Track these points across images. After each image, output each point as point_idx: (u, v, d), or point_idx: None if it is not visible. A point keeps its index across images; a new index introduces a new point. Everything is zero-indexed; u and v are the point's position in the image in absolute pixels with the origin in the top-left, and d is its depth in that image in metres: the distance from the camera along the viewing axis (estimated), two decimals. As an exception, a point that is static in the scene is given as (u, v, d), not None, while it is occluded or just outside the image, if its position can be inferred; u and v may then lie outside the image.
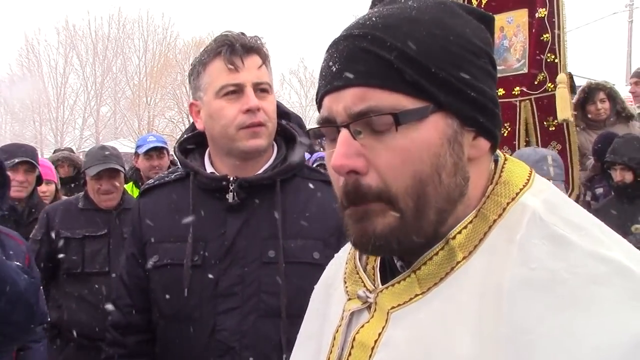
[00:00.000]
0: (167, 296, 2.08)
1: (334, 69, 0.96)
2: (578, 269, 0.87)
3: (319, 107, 1.00)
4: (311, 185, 2.15)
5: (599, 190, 5.36)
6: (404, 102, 0.92)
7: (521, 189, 0.99)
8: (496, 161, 1.05)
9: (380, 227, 0.95)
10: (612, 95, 5.80)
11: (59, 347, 4.05)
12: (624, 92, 7.68)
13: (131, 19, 40.12)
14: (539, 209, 0.95)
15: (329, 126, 0.98)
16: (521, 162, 1.05)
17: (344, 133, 0.94)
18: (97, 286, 3.89)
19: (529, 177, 1.02)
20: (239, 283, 2.03)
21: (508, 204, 0.97)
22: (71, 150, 9.16)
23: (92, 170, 4.13)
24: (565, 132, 4.89)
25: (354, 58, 0.94)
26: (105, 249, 4.01)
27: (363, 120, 0.93)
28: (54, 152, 8.72)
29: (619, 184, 4.54)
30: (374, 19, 0.96)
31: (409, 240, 0.96)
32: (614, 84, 6.20)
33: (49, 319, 3.45)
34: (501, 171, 1.02)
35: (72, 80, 39.69)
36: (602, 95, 5.75)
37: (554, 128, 4.91)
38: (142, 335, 2.18)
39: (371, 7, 1.03)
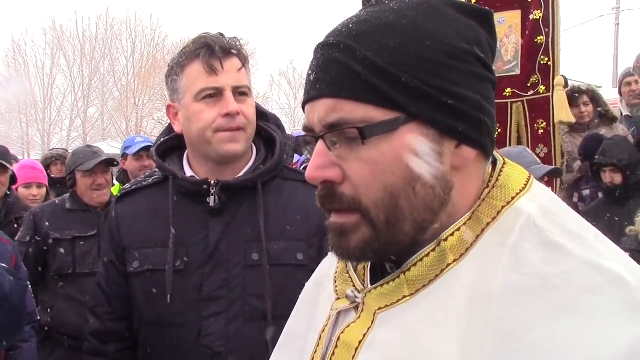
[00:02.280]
0: (150, 302, 2.05)
1: (312, 78, 0.96)
2: (572, 276, 0.84)
3: (304, 112, 1.01)
4: (292, 186, 2.13)
5: (586, 192, 5.40)
6: (374, 114, 0.90)
7: (518, 193, 0.97)
8: (495, 164, 1.02)
9: (354, 242, 0.96)
10: (595, 98, 5.86)
11: (49, 349, 4.03)
12: (612, 94, 7.72)
13: (119, 20, 39.99)
14: (533, 214, 0.93)
15: (309, 135, 0.99)
16: (520, 167, 1.03)
17: (319, 144, 0.96)
18: (88, 287, 3.85)
19: (527, 182, 1.00)
20: (224, 287, 2.00)
21: (503, 207, 0.95)
22: (65, 150, 9.06)
23: (86, 165, 4.14)
24: (552, 135, 4.92)
25: (327, 68, 0.94)
26: (96, 250, 3.99)
27: (337, 131, 0.93)
28: (50, 150, 8.62)
29: (609, 186, 4.57)
30: (350, 25, 0.95)
31: (384, 250, 0.96)
32: (600, 87, 6.24)
33: (38, 318, 3.42)
34: (499, 175, 1.00)
35: (59, 81, 39.53)
36: (585, 98, 5.79)
37: (542, 131, 4.94)
38: (122, 343, 2.16)
39: (362, 7, 1.01)
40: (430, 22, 0.93)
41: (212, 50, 2.00)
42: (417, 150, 0.91)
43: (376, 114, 0.90)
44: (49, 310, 4.02)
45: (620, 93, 6.82)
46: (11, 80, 37.74)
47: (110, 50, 39.46)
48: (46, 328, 4.03)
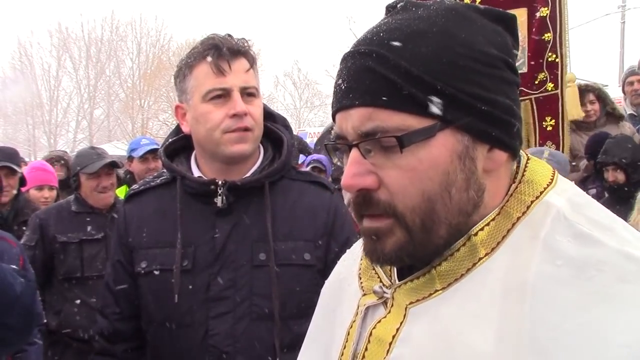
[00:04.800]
0: (157, 302, 2.06)
1: (343, 87, 0.97)
2: (606, 266, 0.87)
3: (334, 121, 1.02)
4: (299, 187, 2.14)
5: (592, 191, 5.37)
6: (410, 122, 0.92)
7: (545, 188, 0.99)
8: (519, 160, 1.04)
9: (390, 246, 0.98)
10: (601, 97, 5.83)
11: (58, 353, 4.04)
12: (618, 92, 7.69)
13: (124, 22, 40.19)
14: (563, 208, 0.95)
15: (342, 143, 1.00)
16: (544, 162, 1.06)
17: (354, 152, 0.97)
18: (96, 289, 3.86)
19: (553, 176, 1.02)
20: (231, 287, 2.01)
21: (532, 202, 0.98)
22: (65, 152, 9.05)
23: (90, 168, 4.13)
24: (560, 132, 4.91)
25: (360, 77, 0.95)
26: (103, 252, 3.99)
27: (373, 139, 0.94)
28: (50, 152, 8.63)
29: (612, 185, 4.56)
30: (381, 33, 0.96)
31: (419, 253, 0.97)
32: (607, 85, 6.22)
33: (44, 321, 3.42)
34: (524, 170, 1.02)
35: (65, 82, 39.72)
36: (591, 96, 5.77)
37: (550, 128, 4.93)
38: (130, 343, 2.16)
39: (385, 15, 1.03)
40: (460, 29, 0.95)
41: (220, 51, 2.01)
42: (453, 156, 0.94)
43: (412, 122, 0.92)
44: (57, 313, 4.03)
45: (623, 92, 6.80)
46: (17, 82, 37.86)
47: (116, 52, 39.64)
48: (54, 332, 4.04)
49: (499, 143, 0.96)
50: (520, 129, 1.00)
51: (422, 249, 0.97)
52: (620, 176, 4.52)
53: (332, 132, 1.03)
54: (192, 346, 2.00)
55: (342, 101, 0.97)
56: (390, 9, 1.02)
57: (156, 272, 2.07)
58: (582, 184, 5.51)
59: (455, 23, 0.95)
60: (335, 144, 1.02)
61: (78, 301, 3.98)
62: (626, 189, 4.50)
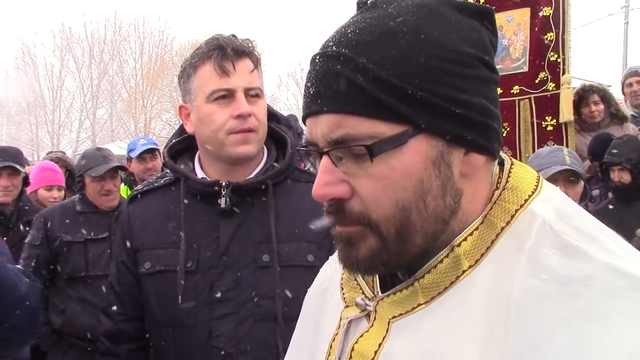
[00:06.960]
0: (161, 303, 2.06)
1: (312, 91, 0.93)
2: (593, 281, 0.82)
3: (305, 125, 0.98)
4: (303, 187, 2.13)
5: (595, 192, 5.36)
6: (381, 128, 0.88)
7: (530, 196, 0.95)
8: (501, 164, 1.00)
9: (363, 252, 0.93)
10: (606, 98, 5.80)
11: (62, 352, 4.06)
12: (621, 93, 7.67)
13: (127, 22, 40.49)
14: (549, 218, 0.91)
15: (312, 150, 0.96)
16: (528, 167, 1.01)
17: (324, 160, 0.93)
18: (101, 289, 3.87)
19: (537, 183, 0.97)
20: (234, 288, 2.01)
21: (517, 210, 0.93)
22: (63, 153, 9.03)
23: (95, 171, 4.14)
24: (564, 132, 4.91)
25: (328, 82, 0.90)
26: (108, 252, 4.01)
27: (343, 147, 0.90)
28: (47, 154, 8.62)
29: (618, 185, 4.55)
30: (349, 34, 0.91)
31: (394, 262, 0.94)
32: (610, 86, 6.20)
33: (47, 327, 3.42)
34: (508, 176, 0.98)
35: (68, 82, 39.76)
36: (596, 97, 5.74)
37: (551, 128, 4.93)
38: (134, 344, 2.17)
39: (356, 11, 0.97)
40: (432, 27, 0.89)
41: (225, 51, 2.00)
42: (427, 163, 0.89)
43: (383, 129, 0.88)
44: (61, 312, 4.04)
45: (623, 93, 6.77)
46: (21, 82, 37.92)
47: (119, 52, 39.70)
48: (57, 331, 4.05)
49: (475, 146, 0.92)
50: (498, 129, 0.95)
51: (397, 258, 0.93)
52: (626, 176, 4.50)
53: (303, 137, 1.00)
54: (195, 347, 2.00)
55: (311, 106, 0.93)
56: (360, 5, 0.97)
57: (160, 273, 2.06)
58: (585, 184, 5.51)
59: (427, 21, 0.89)
60: (307, 150, 0.98)
61: (81, 300, 3.99)
62: (632, 189, 4.49)
